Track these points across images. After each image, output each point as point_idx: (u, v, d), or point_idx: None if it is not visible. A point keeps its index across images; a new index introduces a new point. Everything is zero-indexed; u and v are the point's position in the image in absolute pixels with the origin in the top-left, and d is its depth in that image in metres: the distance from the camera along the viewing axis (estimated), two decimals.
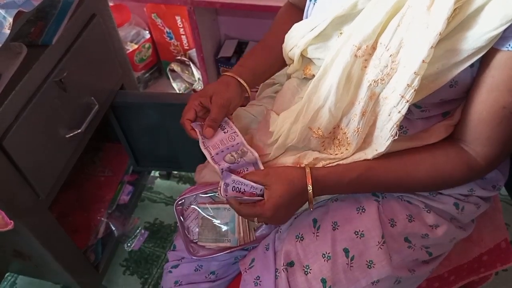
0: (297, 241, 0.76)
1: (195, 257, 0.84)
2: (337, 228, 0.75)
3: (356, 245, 0.74)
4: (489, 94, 0.62)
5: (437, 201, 0.77)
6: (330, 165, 0.72)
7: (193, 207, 0.83)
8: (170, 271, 0.90)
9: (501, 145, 0.65)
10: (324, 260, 0.74)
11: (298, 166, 0.73)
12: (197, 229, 0.83)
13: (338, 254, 0.74)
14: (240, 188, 0.71)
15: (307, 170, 0.70)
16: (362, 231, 0.74)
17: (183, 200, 0.84)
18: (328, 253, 0.74)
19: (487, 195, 0.79)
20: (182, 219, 0.84)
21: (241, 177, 0.71)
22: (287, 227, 0.80)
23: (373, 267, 0.73)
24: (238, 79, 0.80)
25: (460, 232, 0.81)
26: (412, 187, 0.72)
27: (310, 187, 0.69)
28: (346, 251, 0.74)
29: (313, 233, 0.76)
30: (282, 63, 0.85)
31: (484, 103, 0.63)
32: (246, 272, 0.80)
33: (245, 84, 0.81)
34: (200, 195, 0.82)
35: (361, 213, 0.76)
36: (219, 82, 0.81)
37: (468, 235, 0.84)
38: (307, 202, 0.72)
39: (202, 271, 0.88)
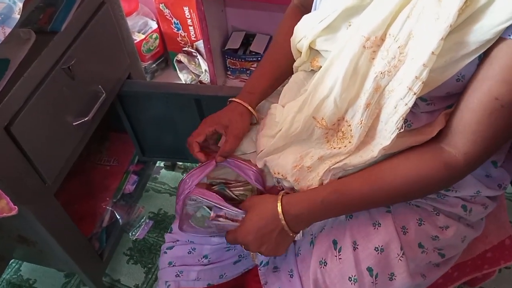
0: (321, 267, 0.76)
1: (182, 231, 0.85)
2: (357, 248, 0.75)
3: (378, 262, 0.74)
4: (484, 82, 0.60)
5: (445, 203, 0.77)
6: (333, 167, 0.71)
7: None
8: (165, 252, 0.92)
9: (484, 143, 0.63)
10: (351, 283, 0.74)
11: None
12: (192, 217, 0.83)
13: (363, 274, 0.74)
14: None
15: (279, 197, 0.72)
16: (382, 246, 0.74)
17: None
18: (354, 276, 0.74)
19: (493, 194, 0.79)
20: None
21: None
22: (307, 248, 0.80)
23: (395, 279, 0.74)
24: (251, 110, 0.83)
25: (470, 230, 0.81)
26: (392, 195, 0.70)
27: (279, 208, 0.71)
28: (369, 270, 0.74)
29: (335, 256, 0.76)
30: (288, 75, 0.86)
31: (477, 91, 0.61)
32: None
33: (256, 115, 0.84)
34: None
35: (377, 228, 0.76)
36: (233, 110, 0.83)
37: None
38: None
39: (195, 254, 0.89)
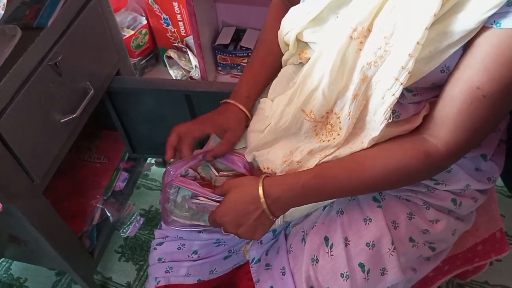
0: (313, 264, 0.76)
1: (167, 225, 0.85)
2: (349, 244, 0.75)
3: (370, 257, 0.74)
4: (465, 71, 0.60)
5: (435, 197, 0.77)
6: (323, 160, 0.71)
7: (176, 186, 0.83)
8: (155, 248, 0.92)
9: (465, 133, 0.62)
10: (343, 280, 0.74)
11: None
12: (173, 204, 0.83)
13: (355, 271, 0.74)
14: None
15: (261, 179, 0.71)
16: (373, 241, 0.74)
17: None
18: (346, 272, 0.74)
19: (483, 188, 0.79)
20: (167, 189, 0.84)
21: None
22: (298, 245, 0.79)
23: (386, 274, 0.75)
24: (249, 116, 0.83)
25: (460, 223, 0.81)
26: (373, 184, 0.69)
27: (261, 189, 0.70)
28: (361, 265, 0.74)
29: (327, 252, 0.76)
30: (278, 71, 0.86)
31: (458, 80, 0.61)
32: None
33: (251, 119, 0.83)
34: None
35: (368, 224, 0.76)
36: (234, 116, 0.83)
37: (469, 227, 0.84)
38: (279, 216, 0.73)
39: (185, 250, 0.89)
